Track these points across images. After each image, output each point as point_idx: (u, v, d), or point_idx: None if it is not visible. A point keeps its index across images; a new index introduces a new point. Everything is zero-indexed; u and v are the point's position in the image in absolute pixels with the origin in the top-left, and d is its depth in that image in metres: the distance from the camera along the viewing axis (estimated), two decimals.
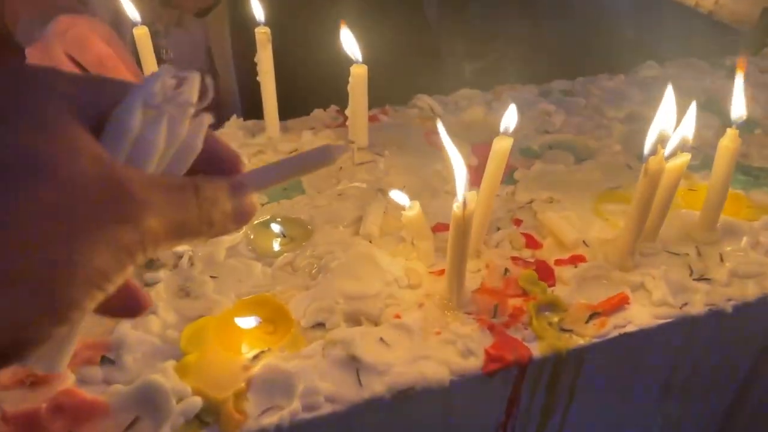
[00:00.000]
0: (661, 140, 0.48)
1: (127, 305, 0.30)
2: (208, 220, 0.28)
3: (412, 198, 0.51)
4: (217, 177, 0.29)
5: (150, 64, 0.64)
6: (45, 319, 0.24)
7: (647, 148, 0.48)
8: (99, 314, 0.29)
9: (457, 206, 0.44)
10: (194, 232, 0.28)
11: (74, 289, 0.24)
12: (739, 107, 0.52)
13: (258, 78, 0.64)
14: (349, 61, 0.61)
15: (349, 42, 0.60)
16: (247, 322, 0.46)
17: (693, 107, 0.50)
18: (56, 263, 0.23)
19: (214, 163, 0.30)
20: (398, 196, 0.51)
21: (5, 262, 0.22)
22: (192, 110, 0.28)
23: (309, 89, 0.75)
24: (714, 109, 0.75)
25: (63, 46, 0.59)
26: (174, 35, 0.82)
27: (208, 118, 0.29)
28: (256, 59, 0.63)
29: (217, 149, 0.30)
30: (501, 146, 0.47)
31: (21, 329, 0.23)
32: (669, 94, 0.50)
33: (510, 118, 0.50)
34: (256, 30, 0.61)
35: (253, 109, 0.71)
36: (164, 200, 0.26)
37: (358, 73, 0.61)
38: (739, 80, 0.53)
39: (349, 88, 0.63)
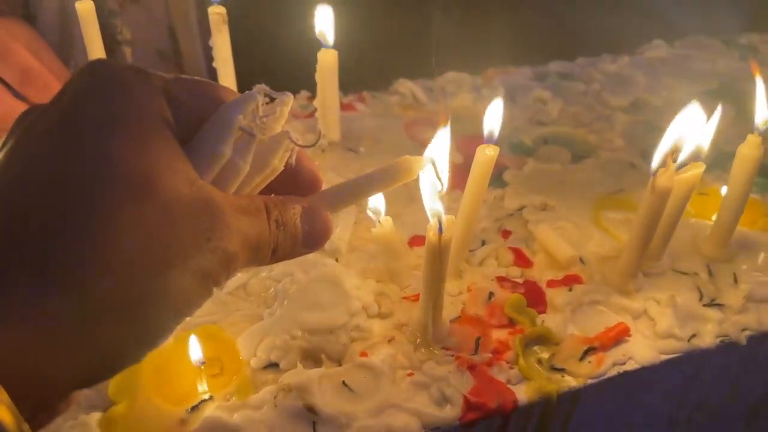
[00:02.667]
0: (673, 150, 0.41)
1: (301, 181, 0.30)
2: (275, 244, 0.27)
3: (385, 204, 0.44)
4: (290, 198, 0.28)
5: (97, 47, 0.56)
6: (138, 348, 0.23)
7: (657, 159, 0.41)
8: None
9: (431, 229, 0.37)
10: (263, 256, 0.27)
11: (166, 318, 0.23)
12: (763, 109, 0.45)
13: (214, 64, 0.56)
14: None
15: (322, 21, 0.52)
16: (196, 352, 0.40)
17: (718, 112, 0.43)
18: (153, 293, 0.22)
19: (292, 180, 0.29)
20: (376, 201, 0.44)
21: (108, 292, 0.21)
22: (287, 141, 0.28)
23: (276, 71, 0.67)
24: (728, 97, 0.68)
25: None
26: (130, 13, 0.74)
27: (289, 142, 0.28)
28: (210, 43, 0.55)
29: (298, 166, 0.29)
30: (485, 158, 0.40)
31: (116, 359, 0.23)
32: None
33: (494, 119, 0.42)
34: (210, 10, 0.53)
35: None
36: (247, 224, 0.26)
37: (326, 60, 0.54)
38: (760, 84, 0.45)
39: (316, 76, 0.55)
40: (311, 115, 0.62)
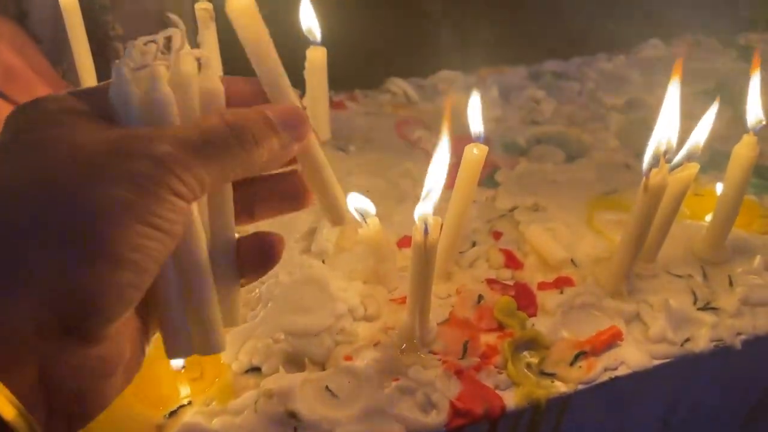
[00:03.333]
0: (665, 150, 0.40)
1: (260, 252, 0.32)
2: (239, 132, 0.27)
3: (375, 204, 0.43)
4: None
5: (82, 45, 0.54)
6: (99, 265, 0.23)
7: (647, 158, 0.40)
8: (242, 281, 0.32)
9: (417, 230, 0.36)
10: (222, 145, 0.27)
11: (114, 227, 0.24)
12: (755, 109, 0.44)
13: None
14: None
15: (308, 17, 0.51)
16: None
17: (713, 109, 0.42)
18: (81, 205, 0.23)
19: (283, 194, 0.34)
20: (359, 202, 0.43)
21: (41, 214, 0.23)
22: (188, 55, 0.28)
23: None
24: (725, 97, 0.66)
25: None
26: (122, 8, 0.73)
27: (216, 59, 0.28)
28: (198, 40, 0.54)
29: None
30: (472, 158, 0.39)
31: (79, 284, 0.23)
32: (673, 92, 0.41)
33: (476, 120, 0.42)
34: (197, 6, 0.52)
35: None
36: (182, 129, 0.27)
37: (315, 58, 0.53)
38: (755, 80, 0.44)
39: (305, 74, 0.54)
40: None
